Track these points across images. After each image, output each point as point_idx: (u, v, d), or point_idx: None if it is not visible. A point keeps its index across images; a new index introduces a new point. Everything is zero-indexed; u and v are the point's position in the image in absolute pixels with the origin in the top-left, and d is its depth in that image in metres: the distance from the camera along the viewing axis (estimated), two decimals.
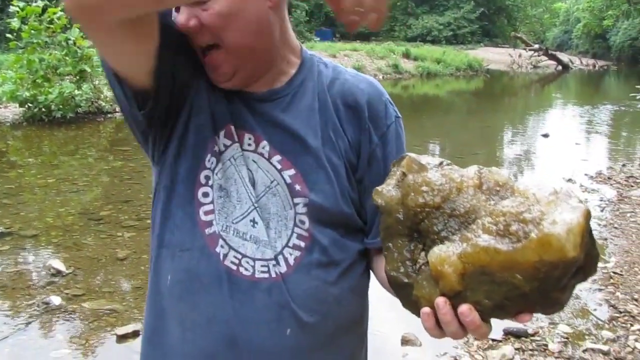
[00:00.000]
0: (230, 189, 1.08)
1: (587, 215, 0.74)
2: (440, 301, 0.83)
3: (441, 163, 0.87)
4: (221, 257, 1.07)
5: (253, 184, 1.08)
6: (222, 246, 1.07)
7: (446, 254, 0.80)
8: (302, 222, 1.08)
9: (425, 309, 0.85)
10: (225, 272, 1.07)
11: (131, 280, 4.17)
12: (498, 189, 0.82)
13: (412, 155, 0.90)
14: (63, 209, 5.91)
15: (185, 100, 1.08)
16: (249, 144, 1.09)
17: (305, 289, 1.08)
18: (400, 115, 1.20)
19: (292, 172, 1.08)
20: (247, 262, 1.07)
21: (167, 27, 1.00)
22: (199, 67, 1.08)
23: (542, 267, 0.73)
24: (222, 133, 1.09)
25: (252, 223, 1.07)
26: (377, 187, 0.92)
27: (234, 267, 1.07)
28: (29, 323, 3.61)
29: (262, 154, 1.09)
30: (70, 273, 4.31)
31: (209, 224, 1.08)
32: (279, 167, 1.09)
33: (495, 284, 0.77)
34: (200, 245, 1.08)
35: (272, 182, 1.08)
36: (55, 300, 3.85)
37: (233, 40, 1.02)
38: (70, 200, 6.20)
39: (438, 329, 0.86)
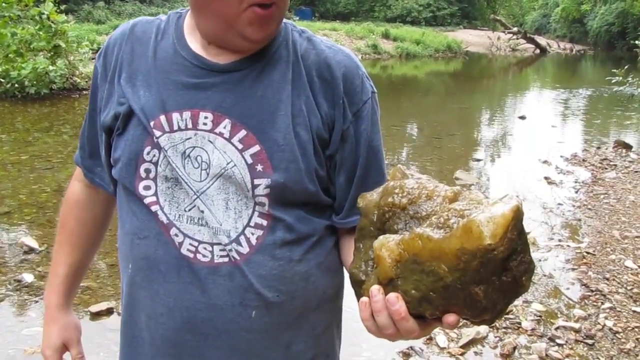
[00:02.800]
0: (176, 177, 1.05)
1: (516, 210, 0.72)
2: (374, 289, 0.82)
3: (427, 177, 0.87)
4: (177, 244, 1.05)
5: (208, 166, 1.03)
6: (176, 235, 1.05)
7: (387, 239, 0.80)
8: (262, 204, 1.04)
9: (363, 298, 0.84)
10: (183, 261, 1.05)
11: (105, 258, 4.12)
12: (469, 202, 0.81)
13: (400, 166, 0.90)
14: (37, 186, 5.81)
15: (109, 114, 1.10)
16: (204, 123, 1.03)
17: (269, 268, 1.05)
18: (375, 90, 1.15)
19: (256, 148, 1.02)
20: (205, 249, 1.04)
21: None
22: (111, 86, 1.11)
23: (463, 255, 0.72)
24: (152, 124, 1.04)
25: (200, 210, 1.04)
26: (363, 193, 0.92)
27: (191, 255, 1.05)
28: (1, 301, 3.56)
29: (220, 134, 1.03)
30: (44, 250, 4.24)
31: (157, 214, 1.06)
32: (240, 146, 1.02)
33: (424, 273, 0.76)
34: (156, 233, 1.06)
35: (228, 163, 1.03)
36: (28, 277, 3.80)
37: (286, 1, 1.00)
38: (44, 178, 6.10)
39: (372, 319, 0.84)
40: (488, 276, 0.73)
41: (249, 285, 1.04)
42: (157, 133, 1.04)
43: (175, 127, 1.04)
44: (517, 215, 0.72)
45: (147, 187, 1.06)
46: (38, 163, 6.66)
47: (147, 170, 1.06)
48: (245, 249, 1.04)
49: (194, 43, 1.08)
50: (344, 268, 1.17)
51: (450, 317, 0.78)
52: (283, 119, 1.03)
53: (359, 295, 0.88)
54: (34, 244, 4.29)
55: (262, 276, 1.05)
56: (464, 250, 0.72)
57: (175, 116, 1.04)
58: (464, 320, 0.80)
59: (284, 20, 1.09)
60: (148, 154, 1.05)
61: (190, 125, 1.03)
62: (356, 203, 0.94)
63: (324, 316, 1.17)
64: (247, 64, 1.05)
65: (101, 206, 1.30)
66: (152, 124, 1.04)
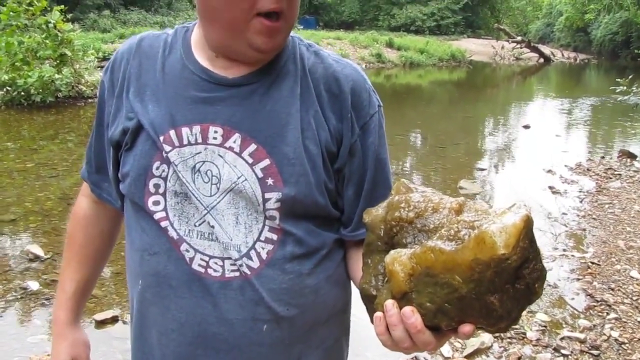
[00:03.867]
0: (186, 191, 1.05)
1: (526, 220, 0.73)
2: (389, 303, 0.83)
3: (431, 190, 0.88)
4: (187, 260, 1.05)
5: (219, 180, 1.03)
6: (187, 250, 1.05)
7: (399, 254, 0.81)
8: (273, 217, 1.04)
9: (378, 313, 0.85)
10: (194, 276, 1.05)
11: (111, 266, 4.13)
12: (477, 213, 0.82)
13: (404, 180, 0.91)
14: (42, 193, 5.84)
15: (117, 130, 1.11)
16: (214, 138, 1.03)
17: (279, 282, 1.06)
18: (382, 103, 1.16)
19: (266, 162, 1.03)
20: (216, 263, 1.05)
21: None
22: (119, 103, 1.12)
23: (477, 266, 0.73)
24: (161, 139, 1.05)
25: (210, 225, 1.04)
26: (368, 208, 0.93)
27: (203, 270, 1.05)
28: (6, 308, 3.57)
29: (230, 148, 1.03)
30: (49, 258, 4.26)
31: (167, 230, 1.06)
32: (250, 160, 1.03)
33: (438, 285, 0.77)
34: (167, 249, 1.06)
35: (238, 177, 1.03)
36: (33, 285, 3.82)
37: (294, 12, 1.01)
38: (50, 185, 6.13)
39: (388, 334, 0.85)
40: (502, 285, 0.75)
41: (259, 299, 1.04)
42: (167, 148, 1.04)
43: (185, 142, 1.04)
44: (528, 224, 0.73)
45: (156, 203, 1.06)
46: (43, 171, 6.68)
47: (157, 186, 1.06)
48: (255, 264, 1.05)
49: (202, 57, 1.08)
50: (352, 281, 1.18)
51: (466, 327, 0.79)
52: (292, 133, 1.04)
53: (370, 310, 0.89)
54: (39, 251, 4.31)
55: (272, 290, 1.05)
56: (478, 261, 0.73)
57: (185, 131, 1.04)
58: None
59: (292, 34, 1.10)
60: (157, 169, 1.05)
61: (200, 140, 1.04)
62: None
63: (334, 329, 1.18)
64: (256, 78, 1.06)
65: (108, 222, 1.30)
66: (161, 138, 1.04)
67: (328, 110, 1.07)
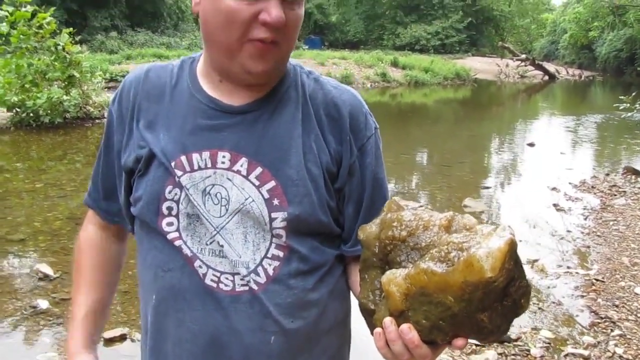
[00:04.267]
0: (197, 213, 1.11)
1: (511, 243, 0.79)
2: (387, 320, 0.90)
3: (420, 206, 0.94)
4: (201, 275, 1.11)
5: (228, 202, 1.10)
6: (200, 266, 1.11)
7: (394, 275, 0.87)
8: (280, 236, 1.10)
9: (377, 329, 0.92)
10: (207, 290, 1.11)
11: (119, 285, 4.18)
12: (465, 231, 0.87)
13: (396, 198, 0.97)
14: (51, 213, 5.91)
15: (130, 158, 1.16)
16: (223, 162, 1.10)
17: (284, 297, 1.12)
18: (378, 125, 1.22)
19: (272, 184, 1.09)
20: (227, 278, 1.11)
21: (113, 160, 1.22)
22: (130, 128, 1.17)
23: (467, 287, 0.79)
24: (173, 165, 1.11)
25: (220, 244, 1.10)
26: (363, 225, 0.99)
27: (214, 285, 1.11)
28: (16, 326, 3.62)
29: (238, 171, 1.09)
30: (58, 277, 4.32)
31: (181, 248, 1.12)
32: (257, 183, 1.09)
33: (432, 304, 0.83)
34: (181, 265, 1.12)
35: (246, 199, 1.09)
36: (43, 304, 3.87)
37: (289, 42, 1.07)
38: (58, 205, 6.20)
39: (387, 348, 0.92)
40: (491, 303, 0.81)
41: (267, 313, 1.11)
42: (179, 173, 1.10)
43: (196, 167, 1.10)
44: (512, 247, 0.79)
45: (169, 224, 1.13)
46: (52, 191, 6.77)
47: (170, 208, 1.12)
48: (262, 279, 1.11)
49: (208, 85, 1.15)
50: (352, 293, 1.24)
51: (459, 341, 0.86)
52: (295, 156, 1.10)
53: (370, 324, 0.96)
54: (48, 270, 4.36)
55: (278, 304, 1.12)
56: (468, 283, 0.79)
57: (195, 156, 1.10)
58: (476, 346, 0.87)
59: (293, 62, 1.18)
60: (170, 192, 1.11)
61: (209, 165, 1.10)
62: None
63: (336, 339, 1.24)
64: (260, 105, 1.12)
65: (116, 247, 1.35)
66: (173, 164, 1.11)
67: (328, 133, 1.14)
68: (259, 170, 1.10)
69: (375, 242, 0.93)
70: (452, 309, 0.82)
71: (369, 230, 0.96)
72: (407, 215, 0.91)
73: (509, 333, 3.54)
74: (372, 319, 0.94)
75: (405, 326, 0.88)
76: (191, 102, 1.14)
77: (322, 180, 1.12)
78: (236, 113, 1.12)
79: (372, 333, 0.95)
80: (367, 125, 1.18)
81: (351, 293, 1.25)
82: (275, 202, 1.09)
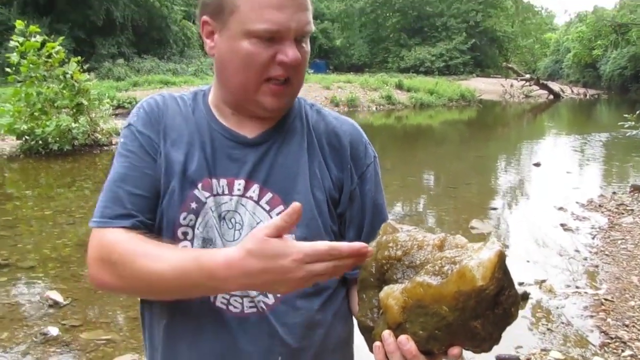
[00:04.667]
0: (213, 237, 1.16)
1: (499, 255, 0.85)
2: (386, 333, 0.94)
3: (415, 228, 1.00)
4: (211, 299, 1.15)
5: (241, 226, 1.16)
6: None
7: (391, 289, 0.92)
8: None
9: (377, 343, 0.96)
10: (217, 313, 1.15)
11: (128, 311, 4.21)
12: (457, 249, 0.93)
13: (391, 221, 1.03)
14: (60, 240, 5.95)
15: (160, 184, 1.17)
16: (239, 189, 1.17)
17: (291, 317, 1.17)
18: (376, 155, 1.31)
19: (280, 208, 1.16)
20: (236, 301, 1.15)
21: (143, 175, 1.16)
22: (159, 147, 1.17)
23: (460, 297, 0.85)
24: (199, 187, 1.16)
25: None
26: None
27: (224, 306, 1.15)
28: (27, 354, 3.64)
29: (250, 197, 1.17)
30: (68, 304, 4.34)
31: None
32: (267, 208, 1.17)
33: (428, 315, 0.88)
34: None
35: (258, 222, 1.16)
36: (53, 330, 3.89)
37: (300, 77, 1.17)
38: (67, 232, 6.24)
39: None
40: (483, 311, 0.86)
41: (274, 333, 1.16)
42: (206, 194, 1.16)
43: (215, 192, 1.17)
44: (501, 258, 0.85)
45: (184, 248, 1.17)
46: (61, 218, 6.82)
47: (185, 233, 1.17)
48: (270, 301, 1.16)
49: (221, 116, 1.22)
50: (353, 314, 1.29)
51: (455, 350, 0.90)
52: (302, 182, 1.19)
53: (368, 340, 1.00)
54: (58, 297, 4.39)
55: (286, 324, 1.16)
56: (461, 292, 0.85)
57: (215, 182, 1.17)
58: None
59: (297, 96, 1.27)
60: (184, 219, 1.16)
61: (226, 191, 1.17)
62: None
63: (340, 358, 1.29)
64: (271, 136, 1.21)
65: None
66: (200, 185, 1.16)
67: (330, 161, 1.23)
68: (269, 195, 1.17)
69: (372, 263, 0.98)
70: (447, 319, 0.87)
71: None
72: (402, 236, 0.97)
73: (518, 354, 3.54)
74: (370, 335, 0.98)
75: (403, 337, 0.91)
76: (209, 131, 1.21)
77: (325, 205, 1.20)
78: (251, 145, 1.20)
79: (370, 349, 0.99)
80: (367, 154, 1.28)
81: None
82: None
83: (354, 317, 1.29)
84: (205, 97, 1.26)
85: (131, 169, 1.16)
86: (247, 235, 0.97)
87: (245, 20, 1.08)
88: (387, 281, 0.97)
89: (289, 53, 1.08)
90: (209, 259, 0.98)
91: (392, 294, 0.92)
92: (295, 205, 0.91)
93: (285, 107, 1.20)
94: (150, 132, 1.19)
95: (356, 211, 1.25)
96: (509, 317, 0.89)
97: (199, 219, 1.16)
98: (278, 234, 0.92)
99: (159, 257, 1.03)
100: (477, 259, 0.85)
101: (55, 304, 4.33)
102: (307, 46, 1.14)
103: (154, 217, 1.16)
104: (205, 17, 1.15)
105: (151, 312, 1.24)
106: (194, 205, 1.16)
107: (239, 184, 1.17)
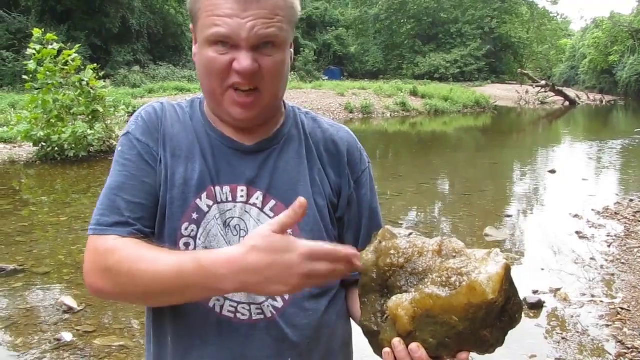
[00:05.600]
0: (216, 246, 1.15)
1: (506, 268, 0.90)
2: (396, 341, 0.97)
3: (410, 234, 1.04)
4: (217, 309, 1.16)
5: (246, 233, 1.17)
6: (217, 299, 1.15)
7: (400, 300, 0.97)
8: None
9: (386, 349, 0.99)
10: (224, 322, 1.16)
11: (141, 317, 4.22)
12: (454, 254, 0.97)
13: (388, 227, 1.06)
14: (75, 246, 5.99)
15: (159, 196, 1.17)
16: (242, 196, 1.19)
17: (300, 319, 1.19)
18: (370, 160, 1.36)
19: None
20: (243, 308, 1.16)
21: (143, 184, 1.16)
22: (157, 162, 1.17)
23: (470, 308, 0.90)
24: (203, 196, 1.17)
25: None
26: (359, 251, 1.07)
27: (232, 315, 1.16)
28: (41, 359, 3.66)
29: (254, 204, 1.19)
30: (82, 310, 4.37)
31: None
32: (271, 214, 1.18)
33: (438, 324, 0.93)
34: (194, 305, 1.15)
35: None
36: (67, 336, 3.91)
37: (271, 87, 1.14)
38: (82, 238, 6.28)
39: None
40: (492, 321, 0.92)
41: (284, 337, 1.17)
42: (210, 202, 1.17)
43: (219, 200, 1.18)
44: (508, 271, 0.91)
45: None
46: (76, 224, 6.87)
47: (187, 244, 1.17)
48: (279, 304, 1.17)
49: (219, 125, 1.23)
50: (350, 315, 1.31)
51: (463, 355, 0.95)
52: (303, 188, 1.22)
53: (373, 343, 1.04)
54: (72, 303, 4.42)
55: (295, 326, 1.18)
56: (471, 305, 0.90)
57: (218, 189, 1.18)
58: None
59: (291, 104, 1.30)
60: (186, 229, 1.16)
61: (230, 198, 1.19)
62: None
63: (346, 356, 1.32)
64: (269, 145, 1.23)
65: None
66: (204, 194, 1.17)
67: (328, 167, 1.27)
68: (272, 202, 1.20)
69: (373, 269, 1.02)
70: (457, 328, 0.92)
71: (366, 257, 1.03)
72: (402, 244, 1.00)
73: None
74: (376, 340, 1.02)
75: (414, 345, 0.95)
76: (208, 139, 1.22)
77: (326, 210, 1.24)
78: (250, 152, 1.21)
79: (375, 352, 1.03)
80: (362, 159, 1.33)
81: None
82: (289, 231, 1.14)
83: (351, 319, 1.32)
84: (202, 104, 1.27)
85: (129, 177, 1.16)
86: (248, 235, 0.99)
87: (203, 28, 1.10)
88: (390, 287, 1.01)
89: (242, 61, 1.07)
90: (207, 256, 0.98)
91: (402, 304, 0.96)
92: (302, 199, 0.94)
93: (256, 118, 1.18)
94: (149, 141, 1.19)
95: (354, 215, 1.29)
96: (513, 322, 0.95)
97: (200, 230, 1.17)
98: (282, 230, 0.95)
99: (155, 259, 1.03)
100: (485, 274, 0.90)
101: (70, 310, 4.35)
102: (277, 54, 1.11)
103: (152, 225, 1.16)
104: (191, 25, 1.19)
105: (158, 327, 1.22)
106: (195, 215, 1.16)
107: (242, 190, 1.19)
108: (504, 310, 0.92)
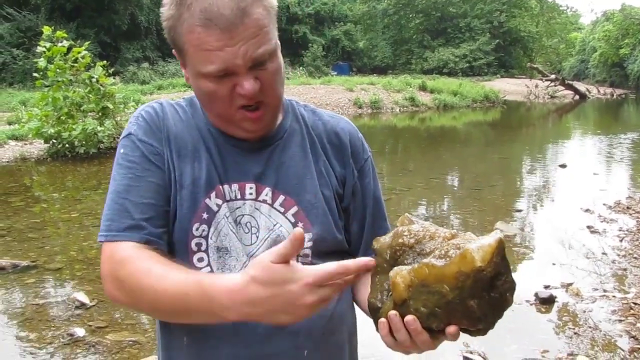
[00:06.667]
0: (228, 245, 1.16)
1: (499, 241, 0.92)
2: (392, 313, 0.98)
3: (429, 224, 1.06)
4: None
5: (257, 230, 1.18)
6: None
7: (400, 269, 0.99)
8: (306, 255, 1.19)
9: (382, 319, 1.00)
10: (241, 322, 1.10)
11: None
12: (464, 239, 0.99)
13: (407, 214, 1.09)
14: (86, 242, 6.03)
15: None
16: (250, 194, 1.19)
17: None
18: (371, 150, 1.37)
19: (295, 209, 1.19)
20: None
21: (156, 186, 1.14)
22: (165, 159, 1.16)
23: (460, 276, 0.91)
24: (212, 196, 1.16)
25: None
26: (377, 237, 1.10)
27: None
28: (54, 354, 3.69)
29: (264, 201, 1.19)
30: (94, 305, 4.40)
31: None
32: (282, 210, 1.19)
33: (430, 293, 0.95)
34: None
35: (274, 225, 1.18)
36: (80, 332, 3.94)
37: (273, 94, 1.13)
38: (93, 234, 6.31)
39: (391, 335, 0.99)
40: (480, 292, 0.93)
41: (299, 330, 1.16)
42: (219, 201, 1.17)
43: (228, 198, 1.18)
44: (500, 245, 0.92)
45: (200, 259, 1.17)
46: (87, 220, 6.91)
47: (199, 245, 1.16)
48: None
49: (222, 126, 1.21)
50: (355, 303, 1.32)
51: (451, 328, 0.94)
52: (310, 182, 1.23)
53: (376, 319, 1.06)
54: (84, 299, 4.45)
55: (310, 319, 1.15)
56: (461, 273, 0.91)
57: (227, 188, 1.18)
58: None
59: (288, 98, 1.30)
60: (197, 229, 1.16)
61: (239, 196, 1.19)
62: (368, 245, 1.15)
63: (352, 346, 1.34)
64: (272, 140, 1.24)
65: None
66: (213, 193, 1.16)
67: (333, 158, 1.28)
68: (282, 198, 1.20)
69: (387, 250, 1.05)
70: (446, 297, 0.93)
71: (383, 241, 1.07)
72: (416, 227, 1.04)
73: (545, 359, 3.49)
74: (378, 315, 1.04)
75: (410, 317, 0.95)
76: (212, 137, 1.21)
77: (333, 201, 1.25)
78: (254, 149, 1.21)
79: (377, 329, 1.05)
80: (364, 149, 1.34)
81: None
82: (300, 225, 1.19)
83: (355, 303, 1.32)
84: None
85: (135, 179, 1.14)
86: (251, 262, 0.94)
87: (194, 63, 1.08)
88: (398, 265, 1.04)
89: (245, 86, 1.07)
90: (211, 284, 0.95)
91: (400, 272, 0.98)
92: (297, 231, 0.88)
93: (268, 125, 1.20)
94: (152, 140, 1.17)
95: (358, 204, 1.30)
96: (504, 302, 0.95)
97: (212, 229, 1.16)
98: (283, 260, 0.89)
99: (163, 277, 1.01)
100: (478, 243, 0.92)
101: (82, 305, 4.38)
102: (272, 62, 1.10)
103: (164, 224, 1.14)
104: (175, 52, 1.15)
105: (173, 326, 1.21)
106: (205, 215, 1.16)
107: (250, 187, 1.19)
108: (493, 284, 0.93)
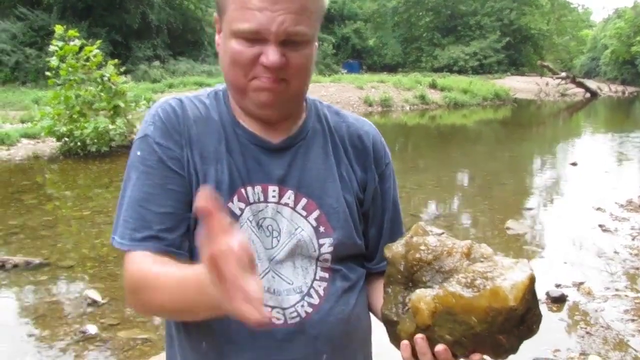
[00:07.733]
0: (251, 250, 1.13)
1: (532, 278, 0.93)
2: (418, 337, 0.99)
3: (442, 233, 1.07)
4: None
5: (279, 233, 1.16)
6: None
7: (424, 294, 1.00)
8: (326, 260, 1.19)
9: (404, 341, 1.02)
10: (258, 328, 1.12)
11: None
12: (482, 259, 1.00)
13: (422, 223, 1.09)
14: (98, 240, 6.07)
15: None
16: (273, 196, 1.16)
17: (335, 313, 1.18)
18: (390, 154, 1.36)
19: (317, 213, 1.18)
20: (278, 312, 1.14)
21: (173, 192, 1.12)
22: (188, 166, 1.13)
23: (491, 312, 0.92)
24: (235, 199, 1.14)
25: (272, 277, 1.15)
26: (389, 244, 1.11)
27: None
28: (66, 351, 3.72)
29: (286, 204, 1.17)
30: (106, 303, 4.43)
31: None
32: (304, 213, 1.18)
33: (457, 323, 0.96)
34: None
35: (296, 229, 1.17)
36: (92, 329, 3.97)
37: (297, 81, 1.12)
38: (105, 232, 6.34)
39: (413, 358, 1.01)
40: (510, 328, 0.94)
41: (318, 335, 1.16)
42: (242, 205, 1.14)
43: (252, 200, 1.15)
44: (532, 282, 0.93)
45: None
46: (99, 218, 6.95)
47: None
48: (316, 300, 1.17)
49: (245, 121, 1.19)
50: (370, 305, 1.31)
51: (476, 356, 0.97)
52: (332, 185, 1.21)
53: (391, 333, 1.07)
54: (96, 296, 4.48)
55: (330, 322, 1.18)
56: (492, 308, 0.92)
57: (250, 190, 1.16)
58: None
59: (312, 97, 1.28)
60: None
61: (262, 199, 1.16)
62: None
63: (368, 349, 1.33)
64: (294, 141, 1.21)
65: None
66: (235, 197, 1.14)
67: (355, 162, 1.26)
68: (304, 201, 1.18)
69: (401, 261, 1.05)
70: (474, 329, 0.94)
71: (395, 249, 1.07)
72: (432, 241, 1.03)
73: (556, 358, 3.48)
74: (394, 330, 1.05)
75: (441, 347, 0.97)
76: (235, 137, 1.18)
77: (354, 206, 1.23)
78: (277, 150, 1.19)
79: (391, 341, 1.07)
80: (386, 153, 1.32)
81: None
82: (322, 229, 1.18)
83: (370, 310, 1.31)
84: (226, 97, 1.22)
85: (153, 186, 1.12)
86: None
87: (230, 20, 1.08)
88: (415, 281, 1.04)
89: (270, 55, 1.05)
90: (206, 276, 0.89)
91: (424, 298, 0.99)
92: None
93: (279, 106, 1.14)
94: (170, 143, 1.13)
95: (378, 209, 1.29)
96: (530, 332, 0.97)
97: None
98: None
99: (169, 278, 1.01)
100: (510, 280, 0.92)
101: (94, 303, 4.42)
102: (305, 49, 1.10)
103: (186, 232, 1.12)
104: (215, 15, 1.16)
105: (190, 331, 1.18)
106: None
107: (274, 190, 1.17)
108: (522, 319, 0.94)
